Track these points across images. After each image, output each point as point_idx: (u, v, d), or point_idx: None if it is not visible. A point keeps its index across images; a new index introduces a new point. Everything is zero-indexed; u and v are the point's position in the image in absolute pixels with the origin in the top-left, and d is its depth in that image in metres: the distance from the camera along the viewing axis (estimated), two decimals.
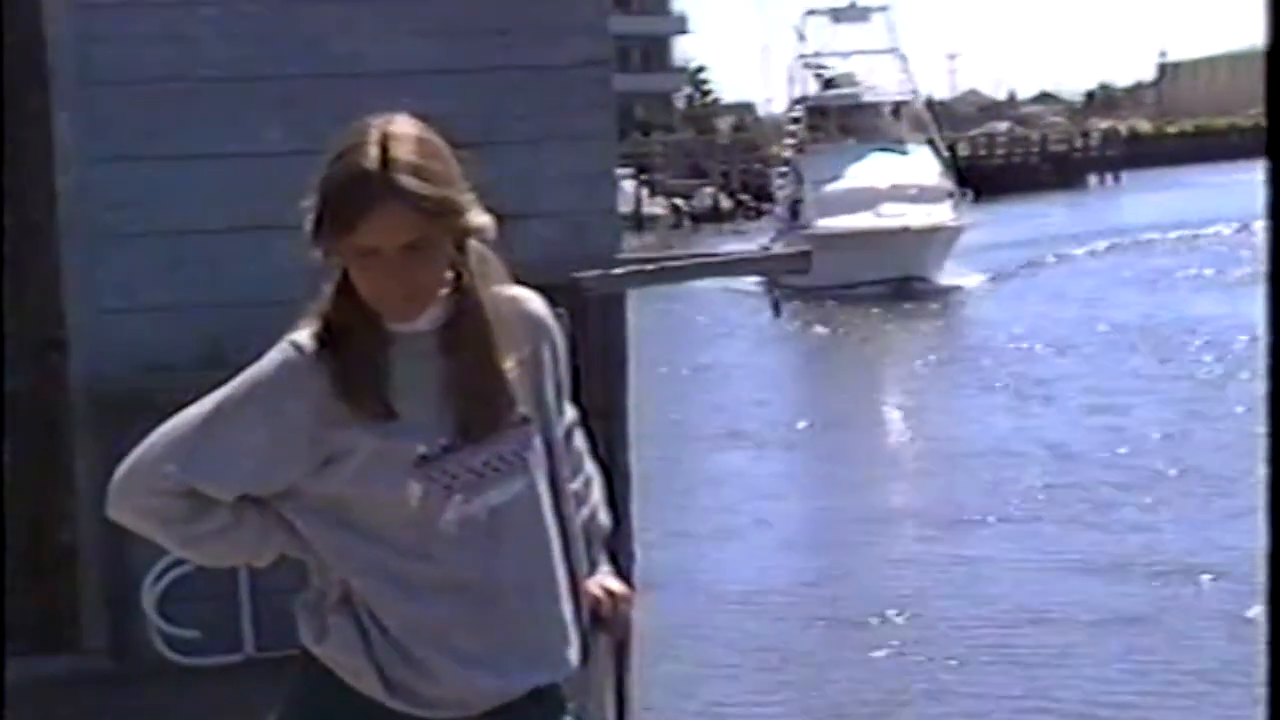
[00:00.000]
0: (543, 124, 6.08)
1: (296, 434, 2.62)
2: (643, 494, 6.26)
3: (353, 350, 2.62)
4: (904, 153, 40.71)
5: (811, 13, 50.24)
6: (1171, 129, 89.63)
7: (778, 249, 22.56)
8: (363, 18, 6.03)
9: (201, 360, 5.54)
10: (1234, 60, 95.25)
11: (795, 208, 39.86)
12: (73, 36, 5.83)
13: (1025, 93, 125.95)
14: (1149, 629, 11.28)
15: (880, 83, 46.46)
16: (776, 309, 33.75)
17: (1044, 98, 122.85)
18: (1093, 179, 73.46)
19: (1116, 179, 72.58)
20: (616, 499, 3.33)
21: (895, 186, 37.54)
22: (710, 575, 13.40)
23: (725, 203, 64.88)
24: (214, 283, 5.90)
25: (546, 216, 5.97)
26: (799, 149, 43.57)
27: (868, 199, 37.14)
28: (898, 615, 11.82)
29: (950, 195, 38.21)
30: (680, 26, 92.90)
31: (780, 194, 43.89)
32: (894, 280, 34.57)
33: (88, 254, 5.86)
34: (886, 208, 36.59)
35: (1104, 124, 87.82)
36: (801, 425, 20.50)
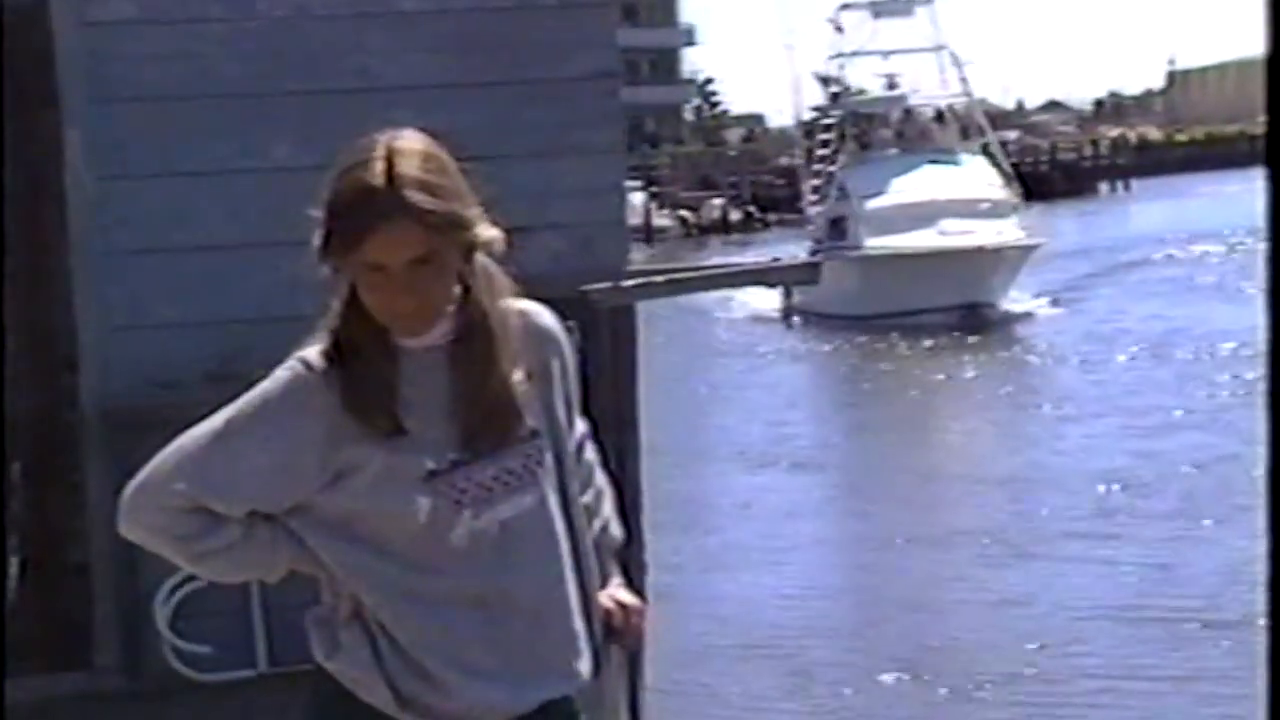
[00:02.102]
0: (551, 137, 6.09)
1: (306, 451, 2.62)
2: (668, 520, 6.04)
3: (361, 366, 2.62)
4: (956, 163, 35.99)
5: (847, 6, 43.94)
6: (1181, 136, 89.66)
7: None
8: (372, 33, 6.03)
9: (211, 376, 5.54)
10: (1243, 67, 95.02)
11: (840, 224, 35.29)
12: (82, 54, 5.84)
13: (1034, 101, 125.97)
14: (1224, 685, 10.08)
15: (924, 86, 41.09)
16: (788, 319, 33.65)
17: (1053, 106, 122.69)
18: (1103, 187, 73.46)
19: (1127, 187, 72.61)
20: (627, 511, 3.33)
21: (957, 201, 33.14)
22: (732, 610, 12.52)
23: (734, 214, 64.98)
24: (224, 299, 5.90)
25: (556, 229, 5.97)
26: (829, 159, 39.06)
27: (928, 215, 32.81)
28: (935, 665, 10.79)
29: (1015, 209, 34.15)
30: (688, 39, 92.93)
31: (813, 209, 39.22)
32: (960, 308, 30.36)
33: (97, 271, 5.86)
34: (949, 224, 32.42)
35: (1113, 132, 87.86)
36: (838, 451, 20.21)
